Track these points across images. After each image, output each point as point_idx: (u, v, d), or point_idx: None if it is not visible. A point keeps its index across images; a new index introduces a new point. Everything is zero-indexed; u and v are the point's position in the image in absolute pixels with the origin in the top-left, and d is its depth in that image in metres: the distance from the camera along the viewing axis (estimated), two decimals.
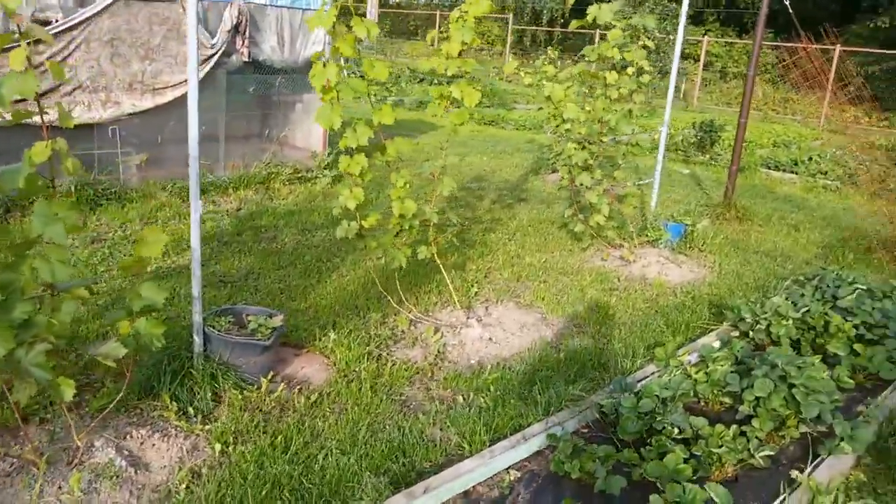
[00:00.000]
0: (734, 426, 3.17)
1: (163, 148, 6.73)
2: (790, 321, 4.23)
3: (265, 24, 7.00)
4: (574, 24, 5.39)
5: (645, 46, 7.79)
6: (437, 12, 30.37)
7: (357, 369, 3.90)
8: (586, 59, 5.47)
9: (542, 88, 5.34)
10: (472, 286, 5.16)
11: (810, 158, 11.43)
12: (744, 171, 10.90)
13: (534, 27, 30.04)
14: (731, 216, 7.38)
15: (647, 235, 6.34)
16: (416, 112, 15.07)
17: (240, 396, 3.51)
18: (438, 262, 4.56)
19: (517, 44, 30.09)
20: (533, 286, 5.31)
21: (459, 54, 4.35)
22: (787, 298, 4.95)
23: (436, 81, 20.63)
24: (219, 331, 3.63)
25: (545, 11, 29.60)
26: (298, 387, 3.73)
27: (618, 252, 6.02)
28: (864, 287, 4.96)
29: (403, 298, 4.63)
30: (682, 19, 6.58)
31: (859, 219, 7.97)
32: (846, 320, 4.30)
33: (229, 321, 3.80)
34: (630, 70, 8.00)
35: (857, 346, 4.02)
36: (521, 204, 7.67)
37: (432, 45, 4.41)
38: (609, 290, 5.31)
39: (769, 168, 11.10)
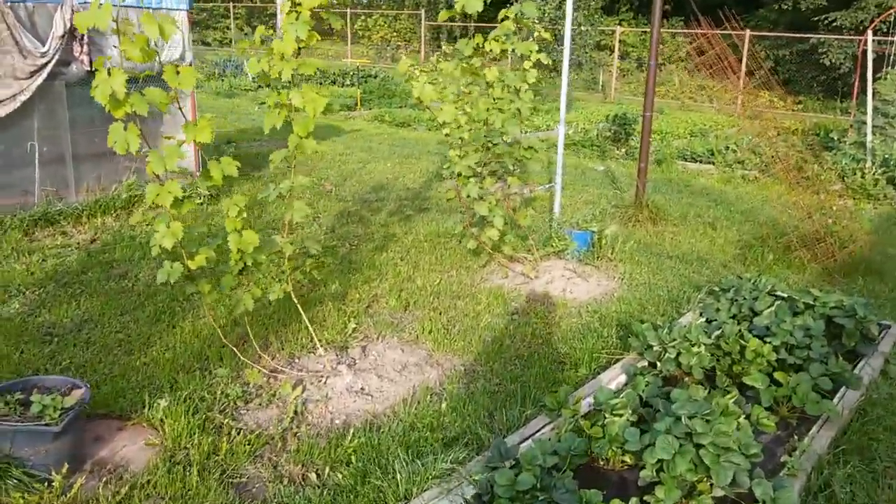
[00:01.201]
0: (634, 500, 2.58)
1: None
2: (702, 348, 3.68)
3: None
4: (442, 14, 4.76)
5: (541, 39, 7.24)
6: (348, 10, 29.51)
7: (188, 445, 3.16)
8: (461, 53, 4.83)
9: (413, 89, 4.68)
10: (350, 320, 4.47)
11: (727, 147, 11.13)
12: (660, 164, 10.53)
13: (448, 22, 29.45)
14: (644, 217, 6.89)
15: (552, 246, 5.76)
16: (322, 116, 14.27)
17: (21, 501, 2.73)
18: (296, 301, 3.84)
19: (434, 40, 29.47)
20: (422, 315, 4.66)
21: (298, 53, 3.65)
22: (700, 315, 4.44)
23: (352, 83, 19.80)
24: None
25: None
26: (108, 476, 2.98)
27: (519, 268, 5.42)
28: (785, 296, 4.49)
29: (257, 347, 3.90)
30: (569, 6, 6.03)
31: (778, 211, 7.60)
32: (765, 341, 3.78)
33: (16, 401, 3.02)
34: (527, 64, 7.44)
35: (778, 375, 3.49)
36: (421, 215, 7.01)
37: (262, 44, 3.70)
38: (507, 315, 4.69)
39: (685, 160, 10.75)
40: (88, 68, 5.97)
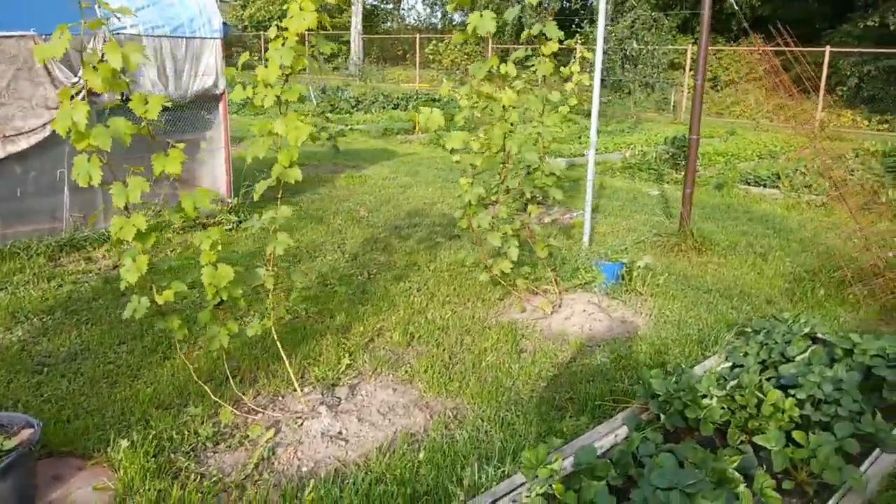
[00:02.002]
0: None
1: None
2: (713, 400, 3.28)
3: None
4: (457, 37, 4.52)
5: (584, 59, 6.92)
6: (417, 35, 29.78)
7: (140, 491, 3.00)
8: (474, 77, 4.58)
9: (420, 115, 4.45)
10: (345, 357, 4.25)
11: (796, 170, 10.44)
12: (720, 188, 9.96)
13: (515, 44, 29.25)
14: (688, 246, 6.43)
15: (579, 278, 5.41)
16: (379, 139, 14.26)
17: None
18: (276, 338, 3.65)
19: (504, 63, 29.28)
20: (424, 351, 4.40)
21: (286, 80, 3.49)
22: (726, 359, 4.02)
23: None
24: None
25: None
26: None
27: (540, 300, 5.09)
28: (823, 339, 4.01)
29: (234, 385, 3.72)
30: (601, 19, 5.70)
31: (842, 240, 6.98)
32: (788, 394, 3.35)
33: None
34: (569, 86, 7.13)
35: (796, 434, 3.06)
36: (450, 242, 6.76)
37: (245, 69, 3.57)
38: (515, 353, 4.38)
39: (748, 183, 10.13)
40: (118, 97, 6.04)
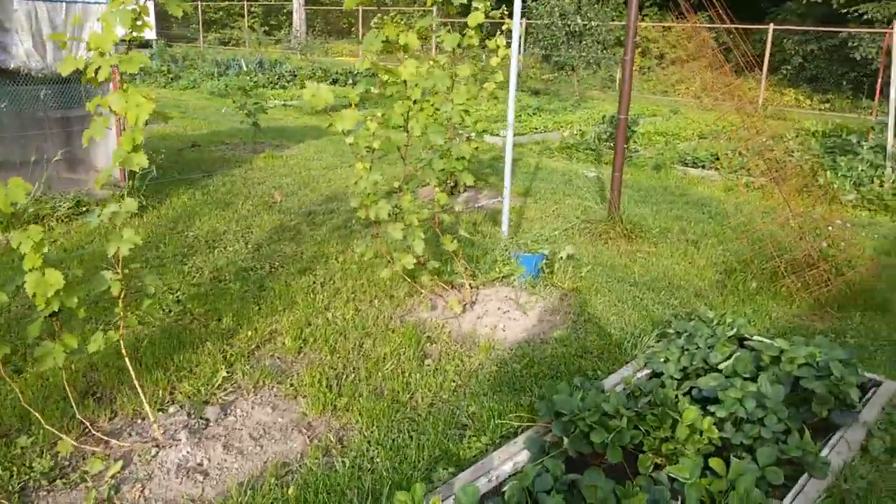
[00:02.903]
0: None
1: None
2: (624, 420, 2.89)
3: (14, 22, 5.51)
4: (348, 3, 4.01)
5: (510, 31, 6.49)
6: (360, 8, 28.84)
7: None
8: (367, 50, 4.07)
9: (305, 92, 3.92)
10: (222, 368, 3.75)
11: (735, 151, 10.19)
12: (658, 169, 9.66)
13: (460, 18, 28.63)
14: (617, 234, 6.06)
15: (497, 271, 4.99)
16: (311, 116, 13.59)
17: None
18: (124, 353, 3.13)
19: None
20: (317, 359, 3.93)
21: (129, 48, 2.95)
22: (646, 365, 3.64)
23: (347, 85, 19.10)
24: None
25: None
26: None
27: (454, 296, 4.65)
28: (749, 344, 3.67)
29: (76, 408, 3.18)
30: None
31: (777, 226, 6.71)
32: (707, 411, 2.98)
33: None
34: (494, 60, 6.69)
35: (713, 463, 2.68)
36: (368, 230, 6.26)
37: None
38: (417, 361, 3.93)
39: (686, 164, 9.85)
40: None
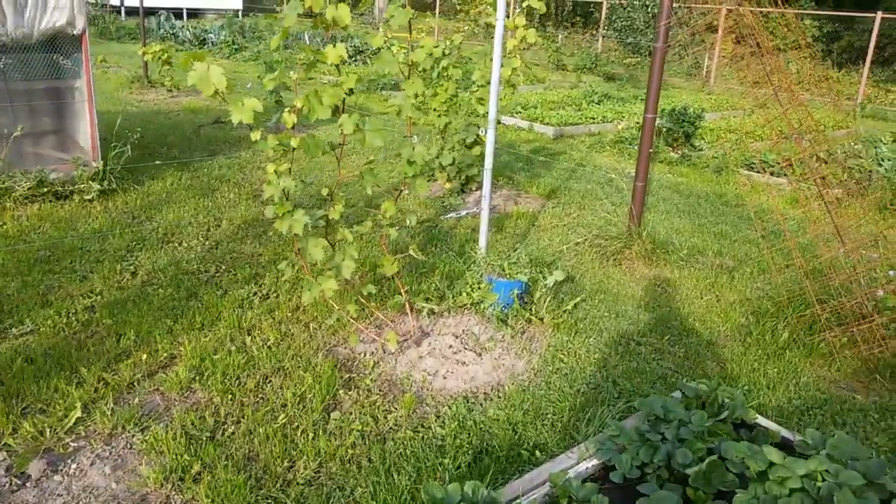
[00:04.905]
0: None
1: None
2: None
3: None
4: None
5: (532, 9, 5.67)
6: None
7: None
8: (281, 26, 3.28)
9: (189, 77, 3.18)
10: (76, 406, 3.09)
11: (814, 157, 8.87)
12: (720, 172, 8.50)
13: None
14: (635, 254, 5.10)
15: (465, 296, 4.16)
16: (362, 95, 12.91)
17: None
18: None
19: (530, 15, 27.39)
20: (203, 400, 3.23)
21: None
22: (597, 452, 2.77)
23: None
24: None
25: None
26: None
27: (390, 330, 3.86)
28: (734, 444, 2.73)
29: None
30: None
31: (827, 260, 5.56)
32: None
33: None
34: (511, 43, 5.93)
35: None
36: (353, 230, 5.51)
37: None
38: (321, 413, 3.17)
39: (752, 169, 8.63)
40: None
